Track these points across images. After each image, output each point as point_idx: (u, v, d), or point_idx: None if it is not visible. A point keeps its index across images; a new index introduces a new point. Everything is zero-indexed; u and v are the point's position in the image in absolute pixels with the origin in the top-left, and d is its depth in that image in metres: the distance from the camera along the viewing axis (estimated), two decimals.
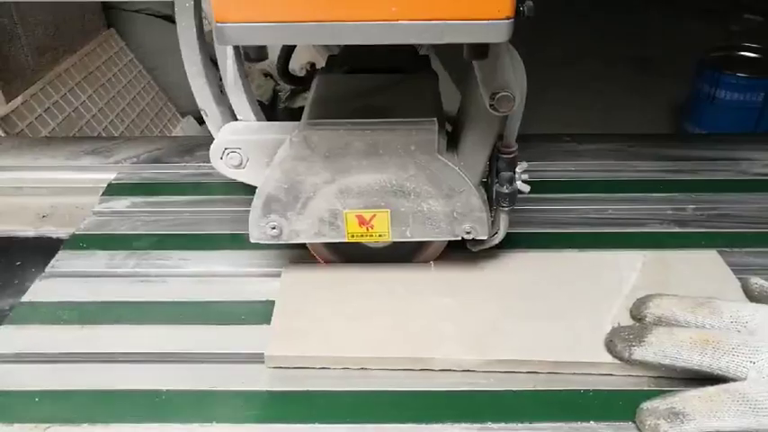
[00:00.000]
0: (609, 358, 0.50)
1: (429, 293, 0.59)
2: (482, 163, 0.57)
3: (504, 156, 0.57)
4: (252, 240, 0.60)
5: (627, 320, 0.53)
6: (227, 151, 0.61)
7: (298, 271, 0.63)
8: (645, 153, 0.83)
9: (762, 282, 0.55)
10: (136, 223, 0.72)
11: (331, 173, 0.56)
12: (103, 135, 1.38)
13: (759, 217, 0.70)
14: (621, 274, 0.59)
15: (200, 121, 1.72)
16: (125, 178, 0.80)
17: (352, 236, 0.60)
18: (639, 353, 0.48)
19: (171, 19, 1.76)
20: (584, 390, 0.49)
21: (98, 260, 0.66)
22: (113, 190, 0.78)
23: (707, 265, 0.60)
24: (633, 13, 2.56)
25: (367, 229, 0.59)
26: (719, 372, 0.45)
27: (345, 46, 0.69)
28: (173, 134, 1.58)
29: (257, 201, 0.59)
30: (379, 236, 0.60)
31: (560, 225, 0.70)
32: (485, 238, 0.59)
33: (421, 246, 0.63)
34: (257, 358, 0.53)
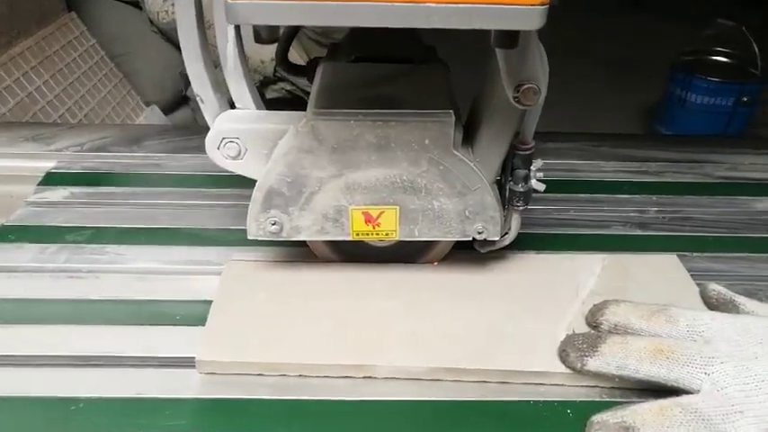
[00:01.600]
0: (562, 368, 0.47)
1: (378, 296, 0.55)
2: (498, 159, 0.54)
3: (521, 152, 0.54)
4: (249, 236, 0.56)
5: (583, 327, 0.51)
6: (224, 141, 0.57)
7: (241, 268, 0.58)
8: (610, 153, 0.82)
9: (720, 289, 0.53)
10: (72, 215, 0.66)
11: (338, 167, 0.53)
12: (59, 122, 1.30)
13: (720, 221, 0.70)
14: (579, 279, 0.56)
15: (166, 111, 1.64)
16: (65, 167, 0.75)
17: (357, 234, 0.56)
18: (593, 363, 0.46)
19: (137, 4, 1.69)
20: (535, 401, 0.47)
21: (26, 254, 0.60)
22: (51, 179, 0.73)
23: (666, 270, 0.58)
24: (610, 15, 2.59)
25: (373, 227, 0.56)
26: (674, 383, 0.44)
27: (350, 34, 0.65)
28: (135, 123, 1.50)
29: (258, 194, 0.54)
30: (386, 234, 0.57)
31: (520, 226, 0.67)
32: (496, 238, 0.57)
33: (428, 245, 0.60)
34: (189, 363, 0.49)
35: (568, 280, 0.57)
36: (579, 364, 0.47)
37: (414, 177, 0.53)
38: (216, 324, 0.52)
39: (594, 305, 0.52)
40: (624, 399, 0.46)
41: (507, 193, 0.56)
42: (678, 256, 0.60)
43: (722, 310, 0.51)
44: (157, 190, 0.72)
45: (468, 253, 0.59)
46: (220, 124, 0.57)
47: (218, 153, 0.58)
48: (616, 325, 0.49)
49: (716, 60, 1.91)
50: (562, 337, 0.49)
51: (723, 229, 0.68)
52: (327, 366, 0.49)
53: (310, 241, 0.60)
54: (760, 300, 0.52)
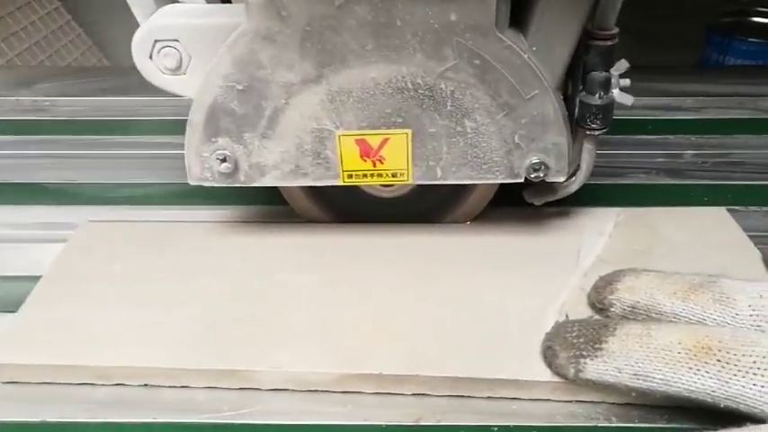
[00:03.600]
0: (546, 375, 0.31)
1: (282, 268, 0.39)
2: (566, 51, 0.35)
3: (599, 43, 0.35)
4: (192, 181, 0.38)
5: (583, 311, 0.34)
6: (158, 45, 0.38)
7: (98, 232, 0.43)
8: (631, 86, 0.65)
9: None
10: None
11: (315, 64, 0.34)
12: None
13: None
14: (583, 241, 0.40)
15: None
16: None
17: (350, 175, 0.37)
18: (594, 368, 0.30)
19: None
20: (501, 427, 0.30)
21: None
22: None
23: (711, 228, 0.42)
24: None
25: (373, 164, 0.37)
26: (729, 403, 0.27)
27: None
28: None
29: (195, 115, 0.36)
30: (393, 176, 0.37)
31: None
32: (561, 179, 0.37)
33: (457, 195, 0.41)
34: None
35: (568, 244, 0.40)
36: (572, 370, 0.30)
37: (434, 80, 0.34)
38: (32, 311, 0.36)
39: (601, 277, 0.35)
40: (647, 424, 0.30)
41: (577, 110, 0.37)
42: (727, 210, 0.44)
43: None
44: (39, 138, 0.59)
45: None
46: (154, 21, 0.39)
47: (151, 64, 0.39)
48: (634, 307, 0.32)
49: (756, 22, 1.70)
50: (549, 328, 0.33)
51: None
52: (185, 372, 0.32)
53: (285, 190, 0.42)
54: None
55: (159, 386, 0.33)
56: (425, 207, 0.42)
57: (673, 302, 0.31)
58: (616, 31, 0.35)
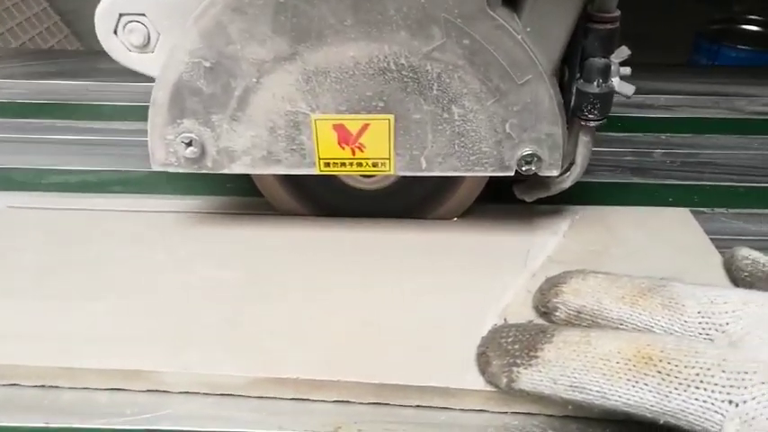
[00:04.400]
0: (479, 384, 0.28)
1: (206, 262, 0.36)
2: (562, 32, 0.32)
3: (598, 27, 0.32)
4: (155, 166, 0.35)
5: (528, 315, 0.32)
6: (123, 19, 0.35)
7: (9, 219, 0.40)
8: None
9: (756, 255, 0.34)
10: None
11: (290, 40, 0.31)
12: None
13: (755, 167, 0.51)
14: (534, 241, 0.38)
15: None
16: None
17: (327, 164, 0.34)
18: (527, 378, 0.27)
19: None
20: None
21: None
22: None
23: (672, 230, 0.40)
24: None
25: (353, 152, 0.34)
26: (669, 418, 0.25)
27: None
28: None
29: (159, 94, 0.33)
30: (373, 165, 0.35)
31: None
32: (555, 173, 0.34)
33: (444, 188, 0.38)
34: None
35: (518, 243, 0.38)
36: (505, 379, 0.27)
37: (419, 60, 0.31)
38: None
39: (547, 279, 0.32)
40: None
41: (573, 98, 0.34)
42: (691, 212, 0.42)
43: (761, 289, 0.32)
44: None
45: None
46: None
47: (116, 41, 0.36)
48: (579, 311, 0.30)
49: (745, 29, 1.71)
50: (486, 333, 0.30)
51: (761, 177, 0.49)
52: (85, 372, 0.29)
53: (258, 179, 0.39)
54: None
55: (57, 387, 0.30)
56: (409, 202, 0.39)
57: (620, 307, 0.29)
58: (618, 14, 0.32)
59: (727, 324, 0.27)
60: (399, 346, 0.30)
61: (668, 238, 0.39)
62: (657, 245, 0.38)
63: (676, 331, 0.28)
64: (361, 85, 0.32)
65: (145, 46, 0.36)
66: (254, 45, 0.31)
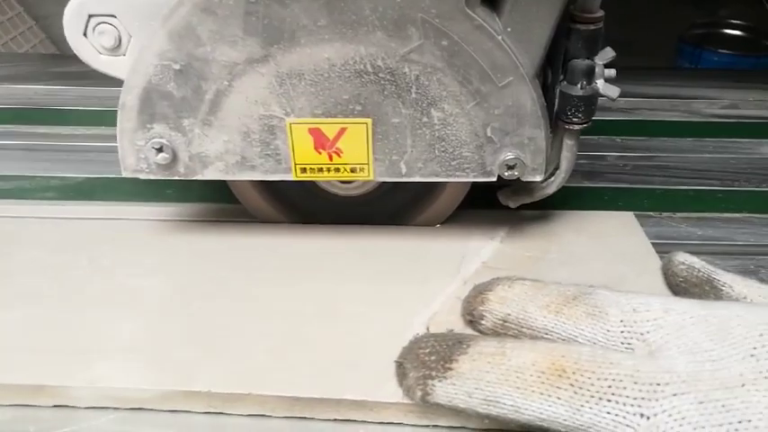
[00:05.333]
0: (397, 396, 0.27)
1: (132, 271, 0.35)
2: (545, 33, 0.31)
3: (582, 27, 0.31)
4: (126, 173, 0.34)
5: (455, 323, 0.30)
6: (93, 21, 0.34)
7: None
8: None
9: (692, 261, 0.33)
10: None
11: (262, 41, 0.30)
12: None
13: (709, 171, 0.50)
14: (470, 246, 0.36)
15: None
16: None
17: (303, 169, 0.33)
18: (442, 391, 0.26)
19: None
20: None
21: None
22: None
23: (614, 235, 0.39)
24: None
25: (329, 157, 0.33)
26: None
27: None
28: None
29: (128, 98, 0.32)
30: (352, 171, 0.34)
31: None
32: (538, 178, 0.33)
33: (425, 194, 0.37)
34: None
35: (452, 249, 0.36)
36: (420, 392, 0.26)
37: (396, 62, 0.30)
38: None
39: (475, 286, 0.31)
40: None
41: (557, 101, 0.33)
42: (640, 216, 0.41)
43: (694, 295, 0.32)
44: None
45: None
46: None
47: (86, 43, 0.35)
48: (505, 320, 0.29)
49: (728, 34, 1.73)
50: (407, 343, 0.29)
51: (712, 181, 0.48)
52: None
53: (233, 185, 0.38)
54: (761, 280, 0.32)
55: None
56: (384, 210, 0.38)
57: (545, 316, 0.28)
58: (601, 14, 0.32)
59: (648, 333, 0.26)
60: (318, 358, 0.29)
61: (609, 242, 0.38)
62: (597, 250, 0.37)
63: (599, 341, 0.27)
64: (336, 87, 0.31)
65: (116, 48, 0.34)
66: (225, 47, 0.30)
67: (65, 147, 0.51)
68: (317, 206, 0.38)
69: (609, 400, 0.23)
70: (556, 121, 0.34)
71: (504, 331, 0.29)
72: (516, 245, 0.37)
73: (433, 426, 0.27)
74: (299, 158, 0.33)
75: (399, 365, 0.27)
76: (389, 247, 0.37)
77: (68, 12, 0.34)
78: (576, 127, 0.33)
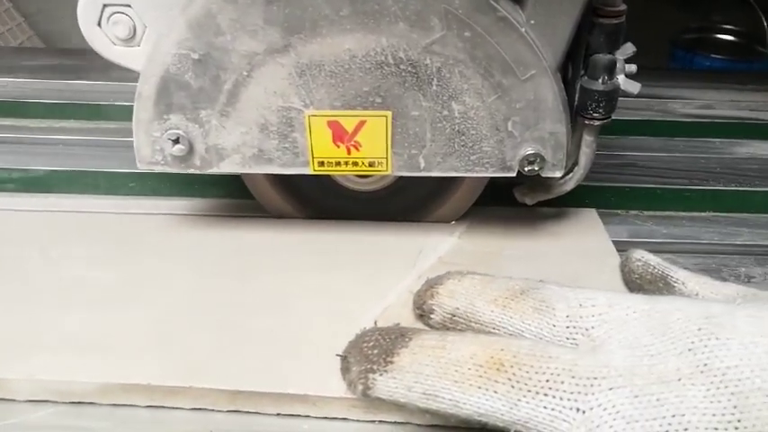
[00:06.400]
0: (341, 390, 0.27)
1: (80, 262, 0.34)
2: (568, 29, 0.31)
3: (604, 21, 0.31)
4: (141, 165, 0.34)
5: (407, 317, 0.30)
6: (107, 10, 0.34)
7: None
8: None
9: (648, 258, 0.33)
10: None
11: (282, 31, 0.29)
12: None
13: (678, 170, 0.49)
14: (427, 242, 0.36)
15: None
16: None
17: (321, 163, 0.33)
18: (383, 385, 0.25)
19: None
20: None
21: None
22: None
23: (574, 231, 0.39)
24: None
25: (348, 151, 0.33)
26: (519, 428, 0.24)
27: None
28: None
29: (145, 87, 0.31)
30: (370, 165, 0.33)
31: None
32: (558, 174, 0.33)
33: (442, 189, 0.37)
34: None
35: (410, 244, 0.36)
36: (361, 387, 0.26)
37: (418, 54, 0.30)
38: None
39: (428, 280, 0.31)
40: None
41: (577, 96, 0.33)
42: (607, 214, 0.41)
43: (648, 292, 0.31)
44: None
45: None
46: None
47: (100, 33, 0.35)
48: (454, 314, 0.29)
49: (720, 39, 1.73)
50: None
51: (681, 180, 0.48)
52: None
53: (246, 177, 0.37)
54: (724, 279, 0.32)
55: None
56: (400, 205, 0.38)
57: (492, 310, 0.27)
58: (624, 8, 0.31)
59: (593, 328, 0.25)
60: (263, 351, 0.29)
61: (569, 239, 0.38)
62: (556, 246, 0.37)
63: (545, 335, 0.26)
64: (357, 79, 0.31)
65: (130, 39, 0.34)
66: (245, 36, 0.30)
67: (28, 139, 0.51)
68: (331, 200, 0.38)
69: (546, 395, 0.23)
70: (575, 116, 0.33)
71: (453, 325, 0.28)
72: (474, 241, 0.37)
73: (379, 421, 0.27)
74: (318, 152, 0.33)
75: (344, 359, 0.27)
76: (347, 242, 0.36)
77: (83, 1, 0.34)
78: (597, 122, 0.33)
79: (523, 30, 0.29)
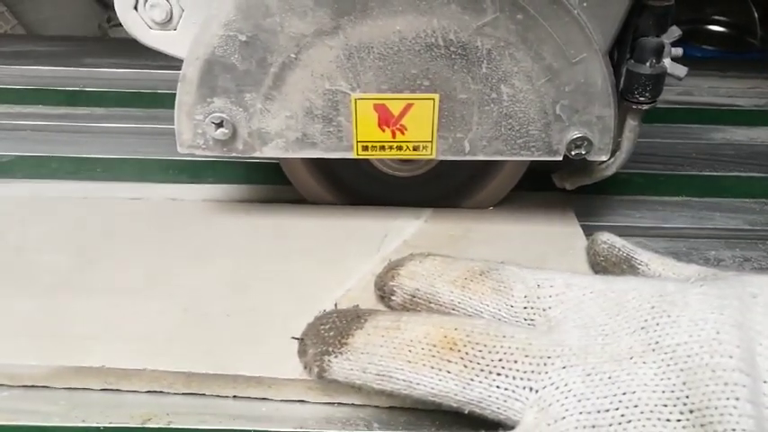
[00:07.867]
0: (297, 372, 0.27)
1: (42, 246, 0.34)
2: (620, 11, 0.30)
3: (654, 3, 0.31)
4: (182, 148, 0.33)
5: (369, 299, 0.30)
6: None
7: None
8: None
9: (614, 240, 0.33)
10: None
11: (332, 12, 0.29)
12: None
13: (654, 155, 0.49)
14: (393, 225, 0.36)
15: None
16: None
17: (365, 148, 0.33)
18: (338, 367, 0.25)
19: None
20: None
21: None
22: None
23: (543, 214, 0.38)
24: None
25: (393, 135, 0.32)
26: (473, 407, 0.24)
27: None
28: None
29: (189, 69, 0.31)
30: (414, 149, 0.33)
31: None
32: (605, 158, 0.33)
33: (484, 174, 0.37)
34: None
35: (376, 227, 0.36)
36: (317, 369, 0.26)
37: (469, 36, 0.29)
38: None
39: (390, 262, 0.31)
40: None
41: (623, 80, 0.33)
42: (576, 198, 0.40)
43: (612, 274, 0.31)
44: None
45: None
46: None
47: (137, 17, 0.34)
48: (414, 295, 0.29)
49: (712, 30, 1.73)
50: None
51: (656, 165, 0.47)
52: None
53: (285, 163, 0.37)
54: (690, 261, 0.31)
55: None
56: (439, 191, 0.37)
57: (451, 291, 0.27)
58: None
59: (550, 308, 0.26)
60: (220, 334, 0.29)
61: (536, 222, 0.37)
62: (523, 229, 0.37)
63: (503, 316, 0.26)
64: (405, 61, 0.30)
65: (167, 23, 0.33)
66: (294, 18, 0.29)
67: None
68: (369, 185, 0.37)
69: (499, 374, 0.23)
70: (620, 100, 0.33)
71: (413, 307, 0.28)
72: (440, 224, 0.37)
73: (338, 404, 0.27)
74: (362, 136, 0.32)
75: (301, 341, 0.27)
76: (312, 227, 0.36)
77: None
78: (644, 106, 0.33)
79: (576, 12, 0.29)
